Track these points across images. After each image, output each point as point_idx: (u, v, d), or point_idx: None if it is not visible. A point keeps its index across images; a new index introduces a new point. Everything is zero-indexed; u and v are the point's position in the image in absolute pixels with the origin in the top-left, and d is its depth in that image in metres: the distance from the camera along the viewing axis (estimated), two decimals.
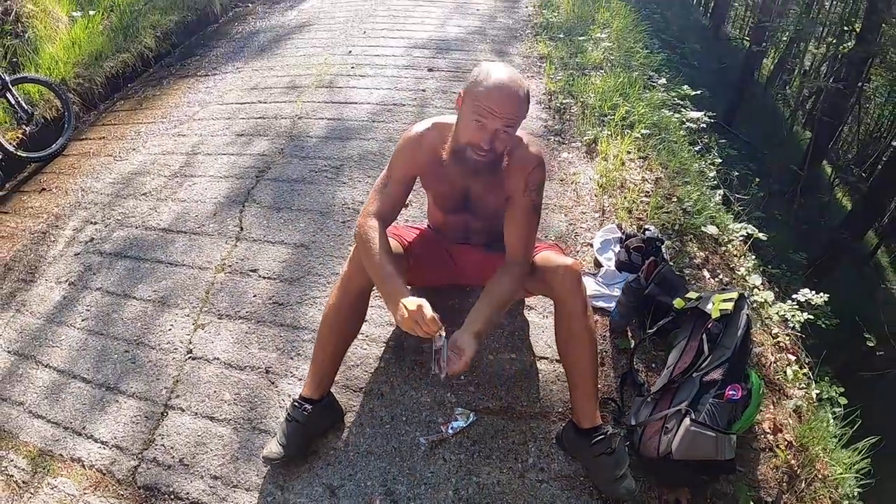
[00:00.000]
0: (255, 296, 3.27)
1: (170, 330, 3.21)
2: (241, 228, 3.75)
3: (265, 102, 5.23)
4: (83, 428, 2.87)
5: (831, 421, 2.83)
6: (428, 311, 2.06)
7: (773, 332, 3.19)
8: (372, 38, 6.41)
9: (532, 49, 6.18)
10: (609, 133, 4.46)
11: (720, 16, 18.40)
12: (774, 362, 3.00)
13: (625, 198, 3.85)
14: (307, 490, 2.39)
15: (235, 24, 7.85)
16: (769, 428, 2.64)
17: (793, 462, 2.53)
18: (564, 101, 5.01)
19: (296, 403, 2.49)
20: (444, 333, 2.10)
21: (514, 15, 7.28)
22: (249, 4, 8.78)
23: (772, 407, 2.75)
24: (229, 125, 4.95)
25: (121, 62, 6.73)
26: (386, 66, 5.62)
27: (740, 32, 21.33)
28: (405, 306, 2.07)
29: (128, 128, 5.52)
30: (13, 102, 5.46)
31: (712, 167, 4.64)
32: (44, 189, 4.92)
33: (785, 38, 15.24)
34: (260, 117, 4.95)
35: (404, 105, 4.84)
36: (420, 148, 2.41)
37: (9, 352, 3.40)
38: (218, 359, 2.98)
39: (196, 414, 2.77)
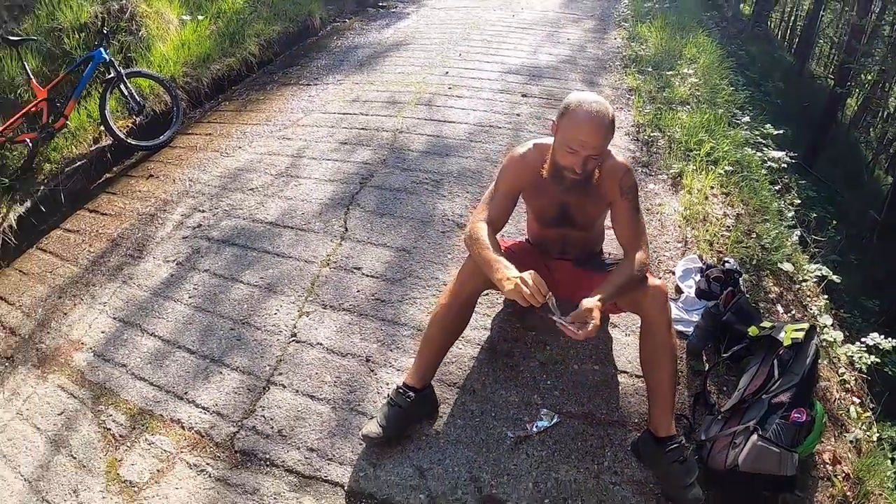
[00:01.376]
0: (358, 291, 3.50)
1: (275, 314, 3.47)
2: (346, 229, 4.00)
3: (367, 115, 5.50)
4: (185, 393, 3.16)
5: (889, 462, 2.92)
6: (534, 277, 2.27)
7: (840, 371, 3.29)
8: (467, 61, 6.65)
9: (621, 81, 6.34)
10: (694, 168, 4.59)
11: (804, 53, 18.21)
12: (838, 399, 3.10)
13: (707, 231, 3.99)
14: (398, 469, 2.59)
15: (334, 38, 8.19)
16: (829, 459, 2.73)
17: (849, 494, 2.62)
18: (652, 134, 5.16)
19: (399, 390, 2.71)
20: (553, 300, 2.29)
21: (603, 46, 7.45)
22: (346, 20, 9.13)
23: (832, 439, 2.84)
24: (333, 133, 5.24)
25: (226, 66, 7.13)
26: (482, 90, 5.84)
27: (824, 70, 21.01)
28: (512, 277, 2.31)
29: (233, 127, 5.87)
30: (126, 94, 5.88)
31: (791, 207, 4.74)
32: (151, 175, 5.29)
33: (869, 79, 15.04)
34: (362, 128, 5.22)
35: (500, 127, 5.06)
36: (523, 166, 2.67)
37: (114, 318, 3.75)
38: (321, 344, 3.22)
39: (297, 391, 3.01)
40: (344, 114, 5.58)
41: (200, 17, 7.60)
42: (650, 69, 6.48)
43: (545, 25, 8.30)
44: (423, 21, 8.52)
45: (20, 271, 4.54)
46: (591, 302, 2.29)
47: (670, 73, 6.38)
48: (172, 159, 5.54)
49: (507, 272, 2.35)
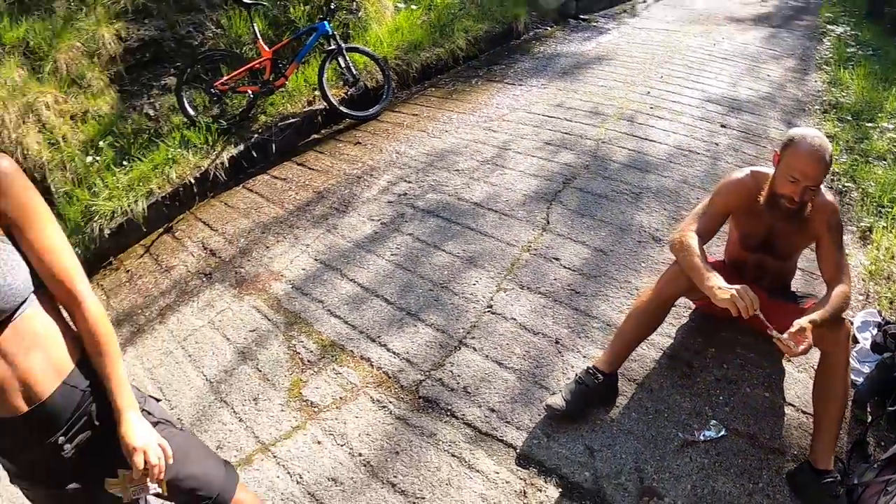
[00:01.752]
0: (555, 279, 3.74)
1: (474, 284, 3.77)
2: (548, 222, 4.25)
3: (570, 121, 5.73)
4: (378, 336, 3.52)
5: None
6: (748, 290, 2.44)
7: None
8: (668, 84, 6.75)
9: (819, 125, 6.27)
10: (885, 225, 4.57)
11: None
12: None
13: (890, 289, 3.99)
14: (570, 444, 2.81)
15: (536, 44, 8.46)
16: None
17: None
18: (846, 185, 5.15)
19: (589, 370, 2.94)
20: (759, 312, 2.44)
21: (803, 87, 7.36)
22: (548, 28, 9.39)
23: None
24: (537, 133, 5.50)
25: (435, 55, 7.57)
26: (682, 114, 5.95)
27: None
28: (725, 287, 2.48)
29: (439, 112, 6.26)
30: (343, 66, 6.38)
31: None
32: (359, 143, 5.75)
33: None
34: (566, 133, 5.45)
35: (698, 154, 5.17)
36: (740, 190, 2.84)
37: (315, 259, 4.23)
38: (514, 319, 3.47)
39: (486, 356, 3.28)
40: (548, 116, 5.82)
41: (414, 7, 8.08)
42: (849, 118, 6.38)
43: (745, 58, 8.25)
44: (624, 39, 8.66)
45: (225, 204, 5.08)
46: (804, 321, 2.41)
47: (870, 124, 6.26)
48: (380, 132, 5.98)
49: (719, 282, 2.52)
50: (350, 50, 6.57)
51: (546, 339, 3.34)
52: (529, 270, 3.82)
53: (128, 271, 5.21)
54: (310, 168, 5.63)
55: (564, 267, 3.82)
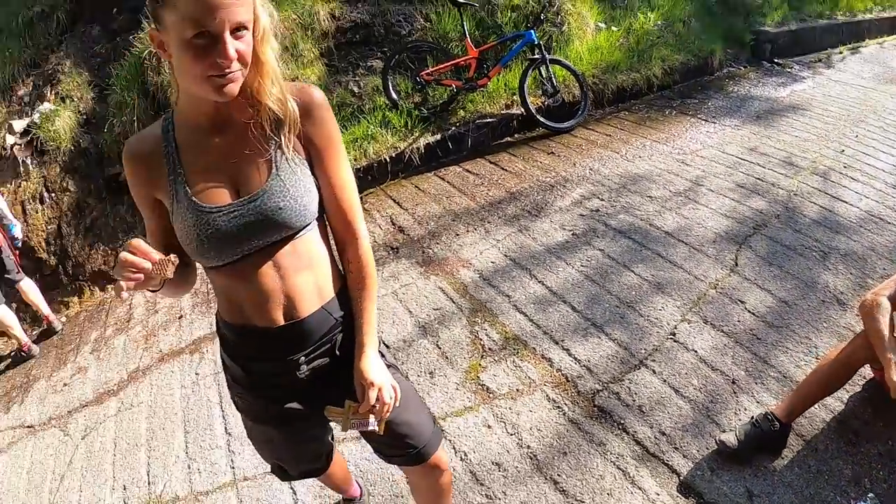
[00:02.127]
0: (738, 321, 3.84)
1: (660, 310, 3.93)
2: (736, 264, 4.34)
3: (763, 167, 5.75)
4: (562, 340, 3.75)
5: None
6: None
7: None
8: (863, 144, 6.59)
9: None
10: None
11: None
12: None
13: None
14: (732, 483, 2.89)
15: (729, 82, 8.44)
16: None
17: None
18: None
19: (767, 416, 3.03)
20: None
21: None
22: (742, 68, 9.32)
23: None
24: (730, 173, 5.57)
25: (630, 79, 7.72)
26: (875, 178, 5.83)
27: None
28: None
29: (633, 136, 6.44)
30: (544, 76, 6.61)
31: None
32: (552, 153, 5.99)
33: None
34: (758, 178, 5.48)
35: (889, 223, 5.11)
36: None
37: (505, 255, 4.54)
38: (695, 351, 3.61)
39: (664, 381, 3.43)
40: (741, 159, 5.85)
41: (614, 28, 8.25)
42: None
43: None
44: (818, 90, 8.48)
45: (416, 187, 5.41)
46: None
47: None
48: (573, 146, 6.21)
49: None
50: (553, 62, 6.80)
51: (723, 377, 3.45)
52: (714, 307, 3.93)
53: None
54: (502, 168, 5.91)
55: (748, 311, 3.91)
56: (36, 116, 7.52)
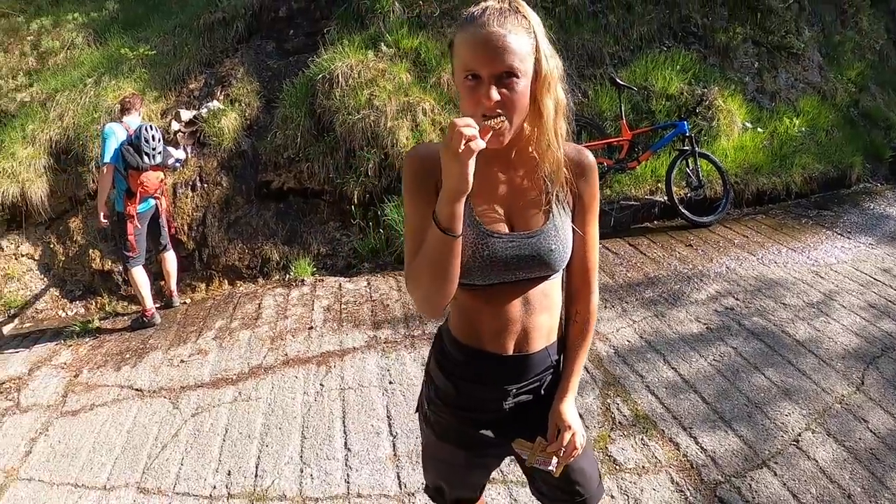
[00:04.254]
0: (860, 438, 4.00)
1: (787, 415, 4.13)
2: (863, 382, 4.49)
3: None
4: (690, 427, 3.99)
5: None
6: None
7: None
8: None
9: None
10: None
11: None
12: None
13: None
14: None
15: (865, 198, 8.52)
16: None
17: None
18: None
19: None
20: None
21: None
22: (879, 185, 9.36)
23: None
24: (862, 292, 5.71)
25: (770, 182, 7.91)
26: None
27: None
28: None
29: (769, 241, 6.79)
30: (691, 168, 6.88)
31: None
32: (690, 245, 6.28)
33: None
34: (890, 301, 5.59)
35: None
36: None
37: (640, 336, 4.86)
38: (816, 461, 3.79)
39: (784, 484, 3.61)
40: (874, 279, 5.96)
41: (760, 130, 8.47)
42: None
43: None
44: None
45: None
46: None
47: None
48: (710, 241, 6.52)
49: None
50: (701, 155, 7.07)
51: (840, 491, 3.59)
52: (838, 421, 4.10)
53: None
54: (641, 252, 6.25)
55: (871, 430, 4.05)
56: (204, 111, 8.24)
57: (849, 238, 6.97)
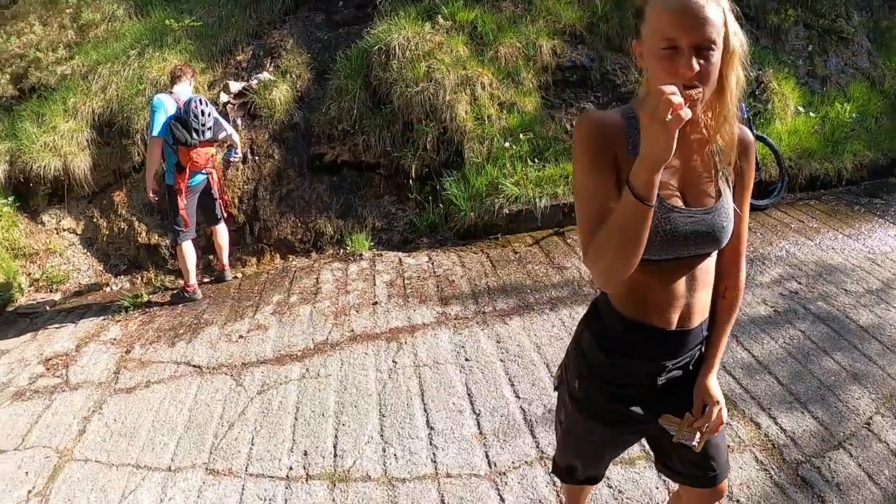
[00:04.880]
0: None
1: (857, 399, 4.24)
2: None
3: None
4: (768, 408, 4.13)
5: None
6: None
7: None
8: None
9: None
10: None
11: None
12: None
13: None
14: None
15: None
16: None
17: None
18: None
19: None
20: None
21: None
22: None
23: None
24: None
25: (823, 168, 7.96)
26: None
27: None
28: None
29: (824, 226, 6.88)
30: None
31: None
32: (749, 229, 6.27)
33: None
34: None
35: None
36: None
37: None
38: (887, 443, 3.85)
39: (859, 465, 3.67)
40: None
41: (812, 114, 8.49)
42: None
43: None
44: None
45: None
46: None
47: None
48: (768, 225, 6.72)
49: None
50: (758, 138, 7.09)
51: None
52: None
53: (516, 252, 6.18)
54: None
55: None
56: (254, 82, 8.22)
57: None
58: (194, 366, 4.98)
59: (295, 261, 7.15)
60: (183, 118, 5.76)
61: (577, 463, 2.40)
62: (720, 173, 1.87)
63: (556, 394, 2.38)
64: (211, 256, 7.00)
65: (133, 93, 7.96)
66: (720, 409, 2.01)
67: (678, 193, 1.82)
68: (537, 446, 3.87)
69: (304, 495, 3.61)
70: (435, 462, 3.76)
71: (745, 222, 2.00)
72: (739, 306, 2.09)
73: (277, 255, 7.47)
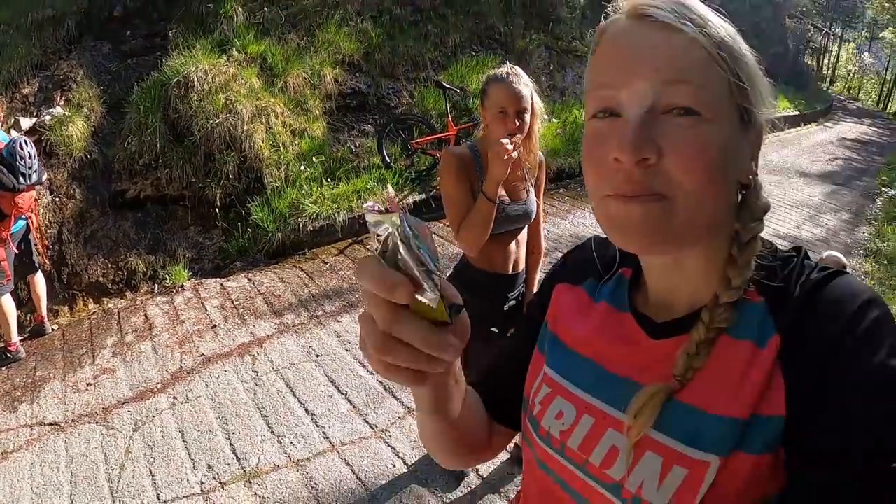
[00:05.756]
0: None
1: None
2: None
3: None
4: None
5: None
6: None
7: None
8: None
9: (860, 266, 7.86)
10: None
11: None
12: None
13: None
14: None
15: None
16: None
17: None
18: None
19: None
20: None
21: (852, 235, 9.03)
22: None
23: None
24: None
25: (567, 163, 9.96)
26: None
27: None
28: None
29: (572, 208, 8.65)
30: None
31: None
32: None
33: None
34: None
35: None
36: None
37: None
38: None
39: None
40: None
41: (554, 120, 10.18)
42: (885, 262, 8.01)
43: (809, 208, 10.08)
44: None
45: None
46: None
47: None
48: None
49: None
50: None
51: None
52: None
53: (326, 263, 6.95)
54: None
55: None
56: (47, 118, 7.57)
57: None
58: (50, 424, 4.50)
59: (111, 303, 6.69)
60: (8, 161, 5.05)
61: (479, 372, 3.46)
62: (528, 181, 2.92)
63: None
64: (18, 311, 5.87)
65: None
66: None
67: (506, 193, 2.82)
68: (403, 405, 4.45)
69: (228, 500, 3.68)
70: (328, 438, 4.12)
71: (541, 208, 3.09)
72: (541, 257, 3.19)
73: (91, 300, 6.83)
